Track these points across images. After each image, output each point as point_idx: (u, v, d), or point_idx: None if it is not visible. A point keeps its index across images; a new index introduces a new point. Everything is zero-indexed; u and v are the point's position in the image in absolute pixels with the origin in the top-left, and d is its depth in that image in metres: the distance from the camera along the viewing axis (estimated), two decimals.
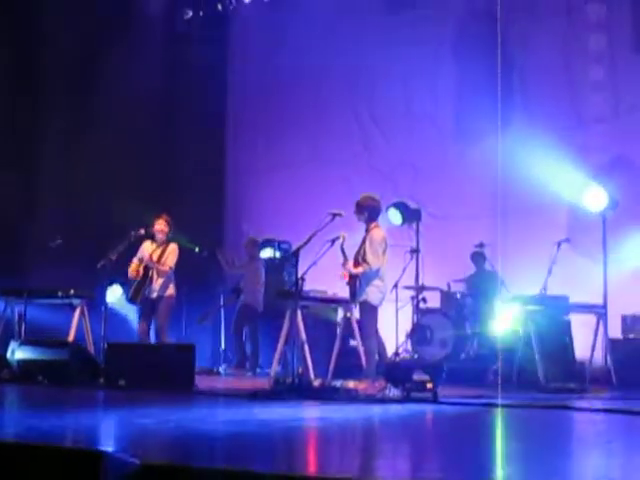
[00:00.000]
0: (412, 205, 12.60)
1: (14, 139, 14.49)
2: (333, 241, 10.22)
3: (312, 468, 4.89)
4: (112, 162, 14.30)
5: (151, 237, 11.76)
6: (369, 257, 10.11)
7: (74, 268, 12.66)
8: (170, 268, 11.59)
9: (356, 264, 10.21)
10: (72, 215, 14.36)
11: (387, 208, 12.24)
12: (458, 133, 14.31)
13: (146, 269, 11.54)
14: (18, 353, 10.92)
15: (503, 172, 13.42)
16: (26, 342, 11.18)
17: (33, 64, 14.79)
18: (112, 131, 14.45)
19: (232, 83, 16.49)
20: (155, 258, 11.61)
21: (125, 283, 12.19)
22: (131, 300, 11.70)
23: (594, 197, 12.13)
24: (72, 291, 11.94)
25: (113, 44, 14.77)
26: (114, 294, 12.77)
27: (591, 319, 11.67)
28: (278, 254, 14.22)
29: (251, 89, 16.19)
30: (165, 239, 11.72)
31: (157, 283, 11.55)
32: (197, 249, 13.72)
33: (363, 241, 10.30)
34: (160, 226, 11.70)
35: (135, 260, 11.67)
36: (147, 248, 11.73)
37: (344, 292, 10.70)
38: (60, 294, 11.98)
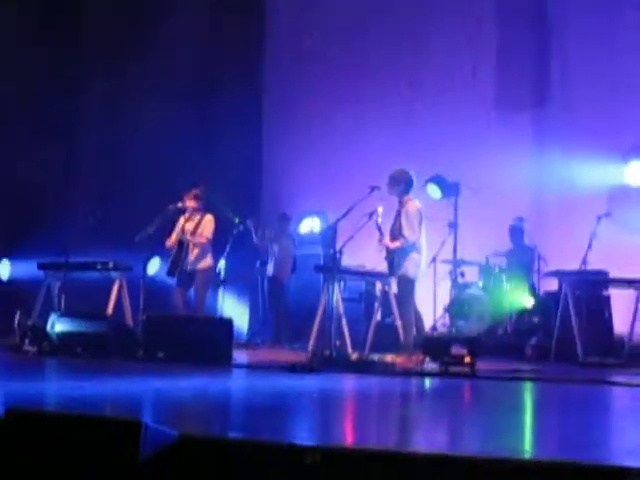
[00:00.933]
0: (450, 179, 12.54)
1: (53, 110, 14.54)
2: (371, 215, 10.18)
3: (350, 440, 4.90)
4: (150, 136, 14.31)
5: (182, 213, 11.78)
6: (405, 231, 10.06)
7: (113, 241, 12.73)
8: (207, 239, 11.58)
9: (392, 239, 10.16)
10: (112, 188, 14.42)
11: (426, 182, 12.19)
12: (498, 105, 14.19)
13: (180, 243, 11.56)
14: (58, 326, 10.99)
15: (543, 144, 13.35)
16: (65, 315, 11.25)
17: (72, 31, 14.81)
18: (150, 106, 14.45)
19: (269, 55, 16.43)
20: (190, 229, 11.61)
21: (164, 256, 12.22)
22: (169, 273, 11.73)
23: (635, 171, 12.01)
24: (111, 264, 11.99)
25: (153, 14, 14.76)
26: (154, 267, 12.79)
27: (631, 294, 11.56)
28: (317, 228, 14.20)
29: (288, 60, 16.13)
30: (197, 212, 11.71)
31: (193, 255, 11.56)
32: (237, 220, 13.73)
33: (398, 215, 10.23)
34: (189, 201, 11.70)
35: (173, 234, 11.72)
36: (180, 224, 11.76)
37: (381, 266, 10.68)
38: (99, 267, 12.05)
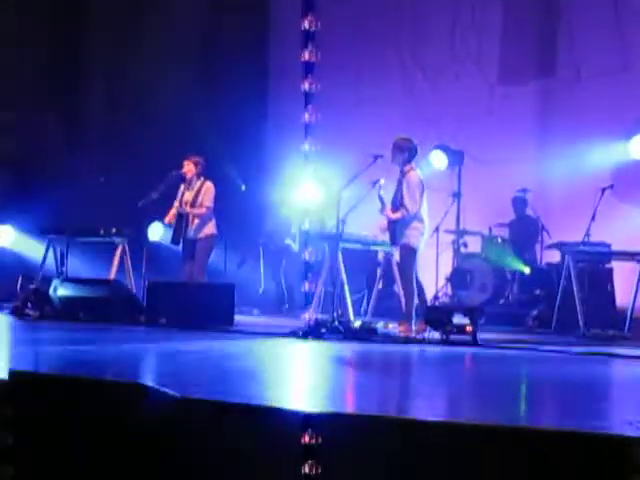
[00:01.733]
0: (454, 148, 12.51)
1: (55, 77, 14.51)
2: (374, 183, 10.15)
3: (350, 406, 4.92)
4: (155, 103, 14.28)
5: (182, 180, 11.69)
6: (407, 201, 10.00)
7: (116, 207, 12.73)
8: (207, 208, 11.49)
9: (394, 209, 10.11)
10: (114, 154, 14.40)
11: (430, 151, 12.16)
12: (502, 76, 14.14)
13: (179, 215, 11.48)
14: (60, 290, 11.02)
15: (547, 116, 13.31)
16: (68, 280, 11.28)
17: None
18: (155, 74, 14.39)
19: (273, 29, 16.35)
20: (190, 199, 11.52)
21: (164, 224, 12.18)
22: (173, 242, 11.69)
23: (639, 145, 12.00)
24: (114, 230, 11.98)
25: None
26: (156, 233, 12.78)
27: (633, 267, 11.55)
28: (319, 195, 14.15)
29: (292, 32, 16.03)
30: (197, 179, 11.63)
31: (194, 224, 11.48)
32: (243, 187, 13.77)
33: (399, 184, 10.16)
34: (188, 167, 11.61)
35: (175, 203, 11.63)
36: (181, 191, 11.67)
37: (384, 235, 10.66)
38: (102, 232, 12.05)
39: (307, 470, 3.84)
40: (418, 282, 10.35)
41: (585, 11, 13.53)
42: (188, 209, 11.45)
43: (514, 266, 12.27)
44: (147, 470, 4.13)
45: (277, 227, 14.22)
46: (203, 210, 11.47)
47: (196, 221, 11.50)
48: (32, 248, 13.26)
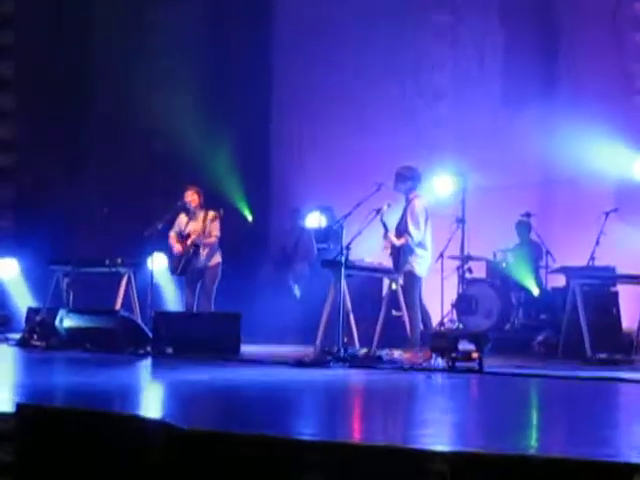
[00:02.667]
0: (457, 174, 12.51)
1: (61, 108, 14.57)
2: (378, 211, 10.17)
3: (357, 435, 4.91)
4: (157, 132, 14.33)
5: (185, 210, 11.69)
6: (411, 228, 10.04)
7: (120, 237, 12.75)
8: (216, 237, 11.55)
9: (398, 235, 10.15)
10: (117, 184, 14.43)
11: (433, 177, 12.16)
12: (504, 101, 14.16)
13: (196, 247, 11.49)
14: (66, 321, 11.02)
15: (550, 141, 13.32)
16: (74, 310, 11.28)
17: None
18: (157, 101, 14.41)
19: (275, 50, 16.41)
20: (197, 229, 11.53)
21: (169, 254, 12.16)
22: (181, 273, 11.65)
23: None
24: (119, 260, 12.00)
25: None
26: (158, 264, 12.75)
27: (639, 290, 11.55)
28: (323, 223, 14.19)
29: (295, 56, 16.11)
30: (200, 209, 11.65)
31: (204, 254, 11.52)
32: (250, 218, 13.80)
33: (404, 211, 10.21)
34: (190, 197, 11.62)
35: (172, 234, 11.62)
36: (182, 221, 11.67)
37: (389, 262, 10.67)
38: (107, 262, 12.05)
39: None
40: (424, 309, 10.35)
41: (585, 31, 13.56)
42: (199, 239, 11.46)
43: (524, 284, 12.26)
44: None
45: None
46: (213, 239, 11.51)
47: (206, 250, 11.53)
48: (37, 280, 13.27)
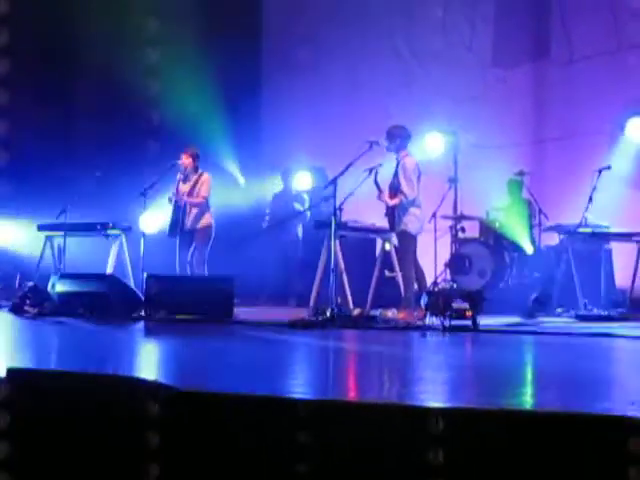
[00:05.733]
0: (449, 133, 12.44)
1: (50, 72, 14.45)
2: (371, 170, 10.14)
3: (352, 394, 4.89)
4: (151, 95, 14.19)
5: (180, 172, 11.68)
6: (404, 187, 10.04)
7: (112, 201, 12.69)
8: (204, 198, 11.51)
9: (391, 195, 10.13)
10: (109, 148, 14.34)
11: (425, 136, 12.10)
12: (496, 60, 14.08)
13: (176, 203, 11.49)
14: (58, 286, 10.99)
15: (542, 98, 13.26)
16: (66, 275, 11.25)
17: None
18: (150, 64, 14.27)
19: (267, 3, 16.29)
20: (186, 190, 11.53)
21: (163, 215, 12.14)
22: (170, 234, 11.67)
23: (635, 127, 11.97)
24: (110, 224, 11.97)
25: None
26: (151, 224, 12.68)
27: (632, 248, 11.53)
28: (315, 183, 14.14)
29: (289, 17, 16.00)
30: (194, 172, 11.63)
31: (192, 214, 11.50)
32: (242, 181, 13.76)
33: (396, 170, 10.21)
34: (186, 160, 11.61)
35: (170, 195, 11.63)
36: (179, 184, 11.67)
37: (382, 221, 10.65)
38: (99, 227, 12.02)
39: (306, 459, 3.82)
40: (419, 268, 10.35)
41: None
42: (185, 198, 11.46)
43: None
44: (148, 463, 4.11)
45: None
46: (200, 200, 11.48)
47: (194, 211, 11.50)
48: (29, 245, 13.22)
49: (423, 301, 9.38)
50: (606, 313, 10.45)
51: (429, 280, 11.08)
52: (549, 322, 10.12)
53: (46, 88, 14.36)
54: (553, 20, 13.73)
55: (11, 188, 13.94)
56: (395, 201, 10.05)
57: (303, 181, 14.39)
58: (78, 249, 12.01)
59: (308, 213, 13.85)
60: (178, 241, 11.61)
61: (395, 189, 10.10)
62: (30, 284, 11.39)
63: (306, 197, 14.25)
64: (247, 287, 11.55)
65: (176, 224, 11.47)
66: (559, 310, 10.95)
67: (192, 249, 11.52)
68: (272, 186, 14.83)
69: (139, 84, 13.90)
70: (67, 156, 14.38)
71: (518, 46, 13.62)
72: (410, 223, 10.06)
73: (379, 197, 10.18)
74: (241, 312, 10.43)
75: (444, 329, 8.76)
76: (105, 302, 10.51)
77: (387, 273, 11.13)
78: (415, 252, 10.34)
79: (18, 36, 13.57)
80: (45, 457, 4.38)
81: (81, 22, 14.60)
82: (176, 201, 11.47)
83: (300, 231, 14.15)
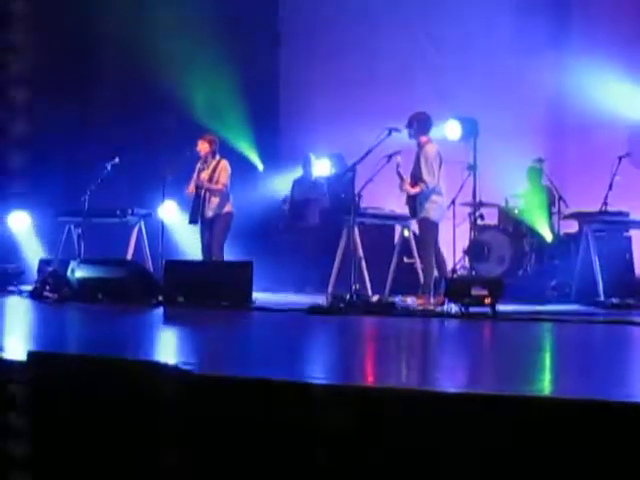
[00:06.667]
0: (469, 120, 12.40)
1: (69, 58, 14.46)
2: (389, 157, 10.13)
3: (370, 379, 4.89)
4: (169, 82, 14.21)
5: (199, 159, 11.67)
6: (425, 175, 10.03)
7: (131, 187, 12.73)
8: (224, 185, 11.49)
9: (413, 183, 10.12)
10: (128, 134, 14.35)
11: (444, 123, 12.07)
12: (515, 47, 14.00)
13: (197, 189, 11.47)
14: (78, 272, 11.02)
15: (562, 86, 13.19)
16: (85, 261, 11.28)
17: None
18: (170, 51, 14.28)
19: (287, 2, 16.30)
20: (206, 177, 11.51)
21: (183, 202, 12.15)
22: (190, 221, 11.67)
23: None
24: (130, 210, 11.99)
25: None
26: (170, 212, 12.70)
27: None
28: (334, 170, 14.13)
29: (307, 5, 15.97)
30: (212, 157, 11.61)
31: (212, 202, 11.48)
32: (261, 167, 13.78)
33: (417, 158, 10.19)
34: (202, 146, 11.58)
35: (191, 182, 11.63)
36: (198, 170, 11.67)
37: (401, 208, 10.64)
38: (118, 213, 12.06)
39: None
40: (440, 255, 10.34)
41: None
42: (206, 184, 11.44)
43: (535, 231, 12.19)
44: (166, 448, 4.12)
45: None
46: (220, 187, 11.45)
47: (213, 199, 11.48)
48: (48, 232, 13.27)
49: (442, 288, 9.37)
50: (625, 301, 10.40)
51: (448, 267, 11.08)
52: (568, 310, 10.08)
53: (64, 81, 14.36)
54: (574, 7, 13.65)
55: (28, 175, 14.00)
56: (416, 190, 10.04)
57: (322, 168, 14.38)
58: (97, 235, 12.04)
59: (325, 199, 13.87)
60: (200, 228, 11.60)
61: (416, 177, 10.09)
62: (50, 270, 11.45)
63: (324, 183, 14.25)
64: (264, 273, 11.55)
65: (197, 211, 11.46)
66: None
67: (210, 236, 11.52)
68: (291, 173, 14.83)
69: (158, 74, 13.92)
70: (85, 143, 14.39)
71: (539, 33, 13.54)
72: (432, 210, 10.06)
73: (401, 186, 10.16)
74: (259, 298, 10.45)
75: (463, 316, 8.75)
76: (124, 288, 10.54)
77: (406, 259, 11.13)
78: (437, 239, 10.32)
79: (39, 23, 13.61)
80: (64, 440, 4.40)
81: (100, 15, 14.62)
82: (197, 188, 11.44)
83: (317, 217, 14.15)
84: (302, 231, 14.11)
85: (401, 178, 10.14)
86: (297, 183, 14.56)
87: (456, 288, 9.14)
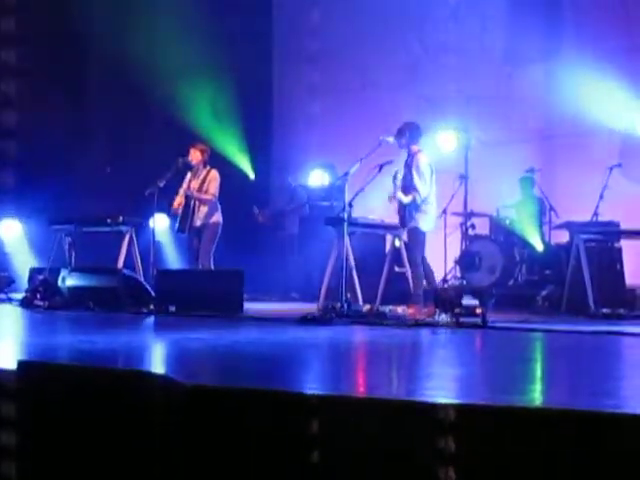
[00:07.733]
0: (460, 130, 12.44)
1: (57, 64, 14.46)
2: (381, 167, 10.15)
3: (361, 389, 4.90)
4: (159, 90, 14.21)
5: (189, 168, 11.65)
6: (417, 185, 10.04)
7: (122, 195, 12.71)
8: (213, 195, 11.49)
9: (404, 192, 10.13)
10: (119, 142, 14.37)
11: (436, 133, 12.10)
12: (507, 57, 14.06)
13: (187, 199, 11.48)
14: (68, 280, 11.02)
15: (554, 96, 13.24)
16: (76, 269, 11.27)
17: None
18: (159, 59, 14.28)
19: (279, 9, 16.31)
20: (196, 187, 11.52)
21: (171, 213, 12.13)
22: (179, 230, 11.67)
23: None
24: (121, 218, 11.98)
25: None
26: (160, 222, 12.69)
27: None
28: (326, 180, 14.17)
29: (299, 14, 16.00)
30: (203, 167, 11.61)
31: (201, 212, 11.48)
32: (252, 176, 13.78)
33: (408, 167, 10.19)
34: (194, 155, 11.58)
35: (180, 191, 11.62)
36: (187, 179, 11.66)
37: (392, 218, 10.66)
38: (109, 221, 12.04)
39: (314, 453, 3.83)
40: (427, 265, 10.35)
41: None
42: (195, 194, 11.45)
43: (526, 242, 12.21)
44: (156, 458, 4.11)
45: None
46: (209, 197, 11.46)
47: (202, 209, 11.49)
48: (39, 240, 13.26)
49: (433, 298, 9.38)
50: (615, 312, 10.41)
51: (439, 277, 11.10)
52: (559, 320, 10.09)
53: (57, 81, 14.38)
54: (565, 17, 13.70)
55: (19, 183, 13.99)
56: (409, 198, 10.05)
57: (316, 178, 14.43)
58: (89, 244, 12.02)
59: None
60: (187, 238, 11.60)
61: (407, 187, 10.10)
62: (40, 278, 11.43)
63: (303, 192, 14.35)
64: (253, 282, 11.55)
65: (186, 220, 11.46)
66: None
67: (199, 245, 11.51)
68: (280, 182, 14.88)
69: (151, 84, 13.92)
70: (77, 152, 14.39)
71: (529, 43, 13.59)
72: (421, 220, 10.06)
73: (394, 195, 10.15)
74: (250, 306, 10.44)
75: (453, 326, 8.76)
76: (115, 296, 10.54)
77: (397, 269, 11.14)
78: (424, 249, 10.33)
79: (28, 27, 13.61)
80: (53, 450, 4.39)
81: (92, 14, 14.62)
82: (187, 197, 11.45)
83: (296, 226, 14.25)
84: (280, 239, 14.22)
85: (395, 188, 10.15)
86: (283, 191, 14.67)
87: (447, 298, 9.15)
